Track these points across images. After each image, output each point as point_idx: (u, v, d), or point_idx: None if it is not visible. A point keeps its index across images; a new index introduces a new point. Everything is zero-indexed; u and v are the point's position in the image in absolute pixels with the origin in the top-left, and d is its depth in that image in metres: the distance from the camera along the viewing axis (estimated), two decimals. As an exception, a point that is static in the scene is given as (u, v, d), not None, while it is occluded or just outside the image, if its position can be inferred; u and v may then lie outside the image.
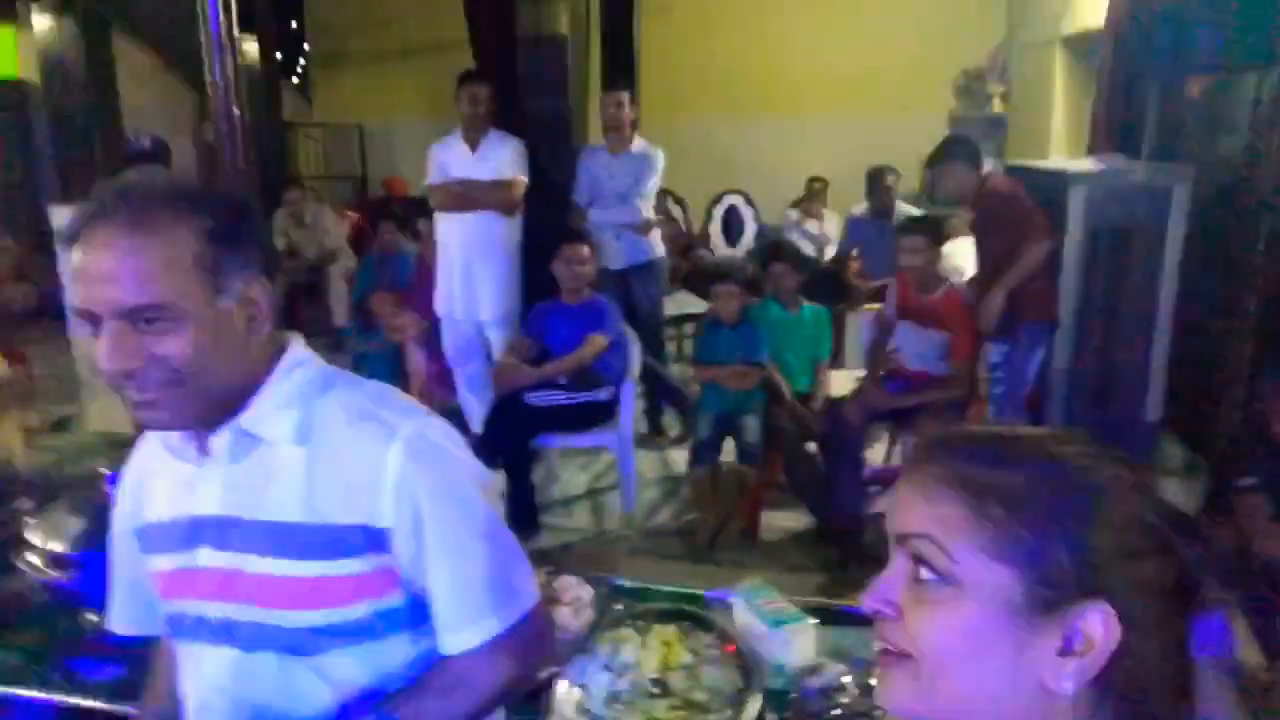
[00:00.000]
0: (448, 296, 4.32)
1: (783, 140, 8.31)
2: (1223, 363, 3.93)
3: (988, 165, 4.91)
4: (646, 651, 1.73)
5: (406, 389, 4.46)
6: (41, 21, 6.39)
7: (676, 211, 7.56)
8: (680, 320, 5.89)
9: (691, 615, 1.82)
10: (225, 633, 1.09)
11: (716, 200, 7.67)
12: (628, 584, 1.98)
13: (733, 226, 7.64)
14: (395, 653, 1.11)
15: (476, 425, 4.19)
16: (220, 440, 1.06)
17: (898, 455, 3.89)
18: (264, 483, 1.06)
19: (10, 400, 3.66)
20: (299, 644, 1.07)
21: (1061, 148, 6.54)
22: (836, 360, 4.08)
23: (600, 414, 3.78)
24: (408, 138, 6.35)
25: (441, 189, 4.22)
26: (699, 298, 5.95)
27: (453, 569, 1.07)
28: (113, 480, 1.96)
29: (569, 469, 4.32)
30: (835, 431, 3.54)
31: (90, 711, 1.65)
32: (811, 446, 3.72)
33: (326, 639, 1.06)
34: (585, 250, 3.89)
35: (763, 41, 8.61)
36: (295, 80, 10.23)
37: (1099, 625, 0.64)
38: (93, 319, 0.96)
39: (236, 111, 3.84)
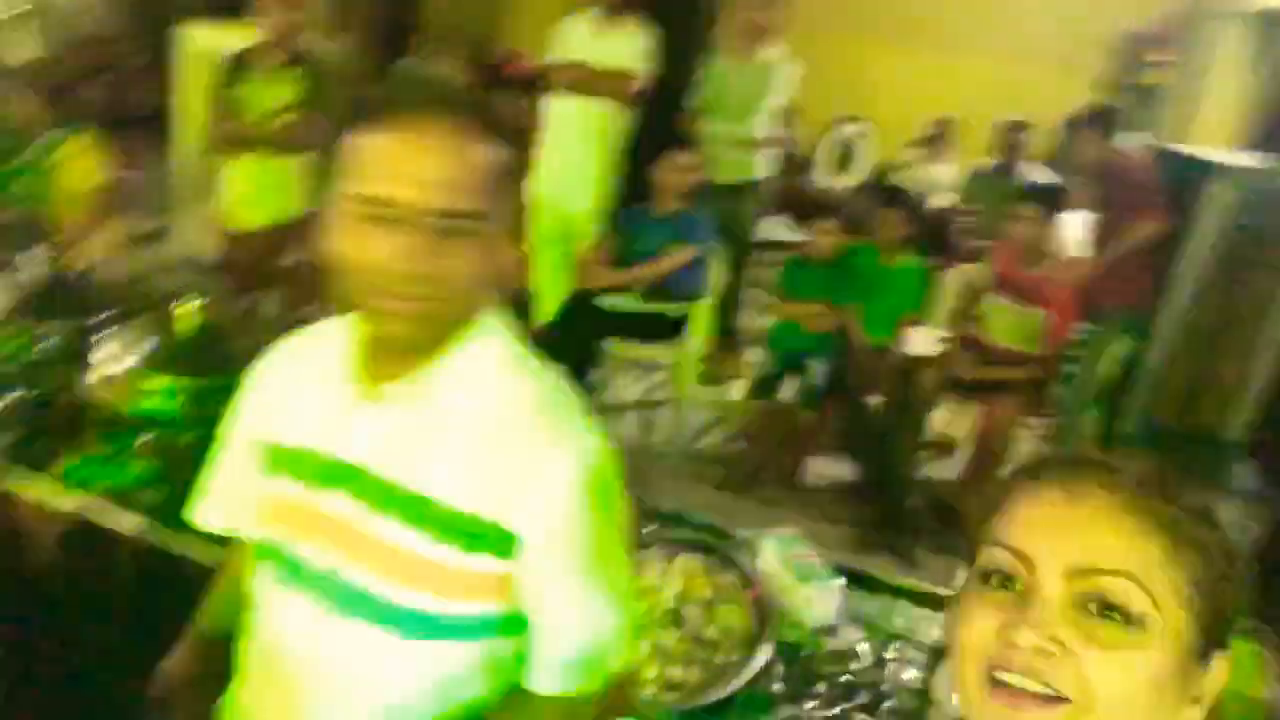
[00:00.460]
0: (544, 178, 4.25)
1: (917, 74, 7.88)
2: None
3: (1137, 139, 4.58)
4: (667, 579, 1.72)
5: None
6: None
7: (790, 130, 7.28)
8: (767, 246, 5.74)
9: (719, 552, 1.80)
10: (325, 587, 1.02)
11: (834, 125, 7.38)
12: (662, 507, 1.97)
13: (846, 156, 7.37)
14: (468, 658, 1.03)
15: (541, 313, 4.18)
16: (398, 389, 0.99)
17: (957, 424, 3.77)
18: (425, 449, 0.99)
19: (110, 206, 3.76)
20: (397, 622, 0.99)
21: (1218, 135, 6.08)
22: (924, 316, 3.92)
23: (668, 328, 3.74)
24: (543, 6, 6.17)
25: (563, 68, 4.09)
26: (793, 226, 5.79)
27: (577, 609, 1.01)
28: (193, 310, 2.01)
29: (624, 377, 4.30)
30: (904, 390, 3.45)
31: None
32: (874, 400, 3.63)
33: (424, 626, 0.99)
34: (690, 160, 3.77)
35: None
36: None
37: (1219, 672, 0.66)
38: (386, 210, 0.90)
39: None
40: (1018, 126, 5.26)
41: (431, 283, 0.92)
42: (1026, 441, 3.67)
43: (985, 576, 0.69)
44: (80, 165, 3.55)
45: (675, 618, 1.64)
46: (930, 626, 1.73)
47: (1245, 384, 3.64)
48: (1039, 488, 0.69)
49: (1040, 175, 5.04)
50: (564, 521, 0.97)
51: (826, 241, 3.62)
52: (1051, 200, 3.48)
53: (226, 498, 1.18)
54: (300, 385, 1.08)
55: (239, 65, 3.57)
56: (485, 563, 0.98)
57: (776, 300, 3.77)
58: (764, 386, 3.58)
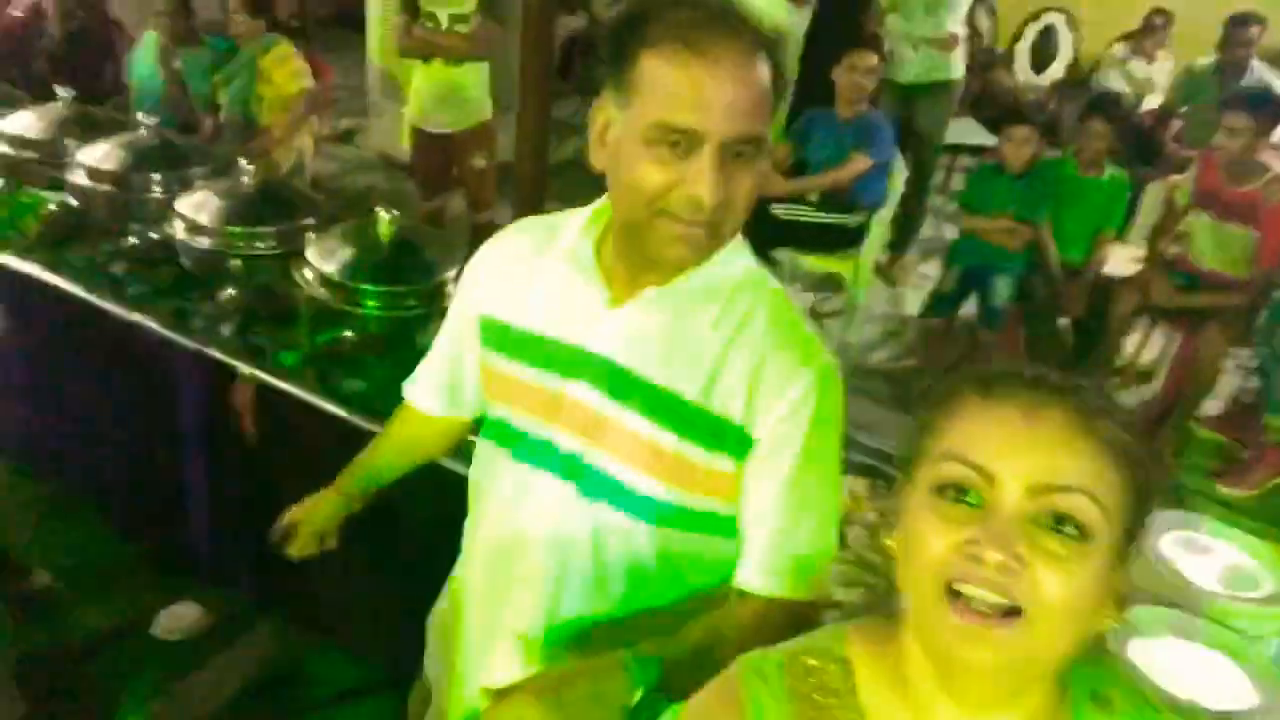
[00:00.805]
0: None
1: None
2: None
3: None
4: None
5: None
6: None
7: (984, 23, 6.77)
8: (956, 150, 5.43)
9: (883, 474, 1.79)
10: (571, 469, 1.07)
11: (1034, 16, 6.79)
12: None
13: (1045, 50, 6.79)
14: (695, 550, 1.09)
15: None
16: (653, 295, 1.02)
17: (1152, 348, 3.52)
18: (676, 351, 1.03)
19: (310, 109, 3.97)
20: (639, 509, 1.05)
21: None
22: (1123, 233, 3.64)
23: (845, 238, 3.64)
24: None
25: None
26: (985, 129, 5.44)
27: (798, 515, 1.03)
28: (388, 220, 2.12)
29: (796, 286, 4.23)
30: (1097, 314, 3.25)
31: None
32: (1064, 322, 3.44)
33: (664, 515, 1.05)
34: (872, 60, 3.60)
35: None
36: None
37: (1129, 571, 0.71)
38: (687, 140, 0.91)
39: None
40: (1247, 19, 4.66)
41: (724, 209, 0.94)
42: (1230, 374, 3.39)
43: (941, 489, 0.70)
44: (282, 71, 3.76)
45: (839, 539, 1.66)
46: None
47: None
48: (993, 404, 0.70)
49: (1273, 78, 4.50)
50: (800, 433, 1.01)
51: (1023, 152, 3.38)
52: (1269, 108, 3.13)
53: (448, 379, 1.26)
54: (542, 275, 1.10)
55: None
56: (722, 462, 1.02)
57: (963, 210, 3.57)
58: (942, 303, 3.45)
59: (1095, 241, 3.45)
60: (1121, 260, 3.55)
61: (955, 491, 0.69)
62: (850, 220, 3.63)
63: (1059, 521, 0.66)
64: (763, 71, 0.93)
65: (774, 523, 1.04)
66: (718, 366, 1.01)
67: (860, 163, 3.56)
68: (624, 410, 1.03)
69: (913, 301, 4.02)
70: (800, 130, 3.74)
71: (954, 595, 0.67)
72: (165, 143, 2.47)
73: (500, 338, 1.13)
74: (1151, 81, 5.74)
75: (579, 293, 1.06)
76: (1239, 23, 4.67)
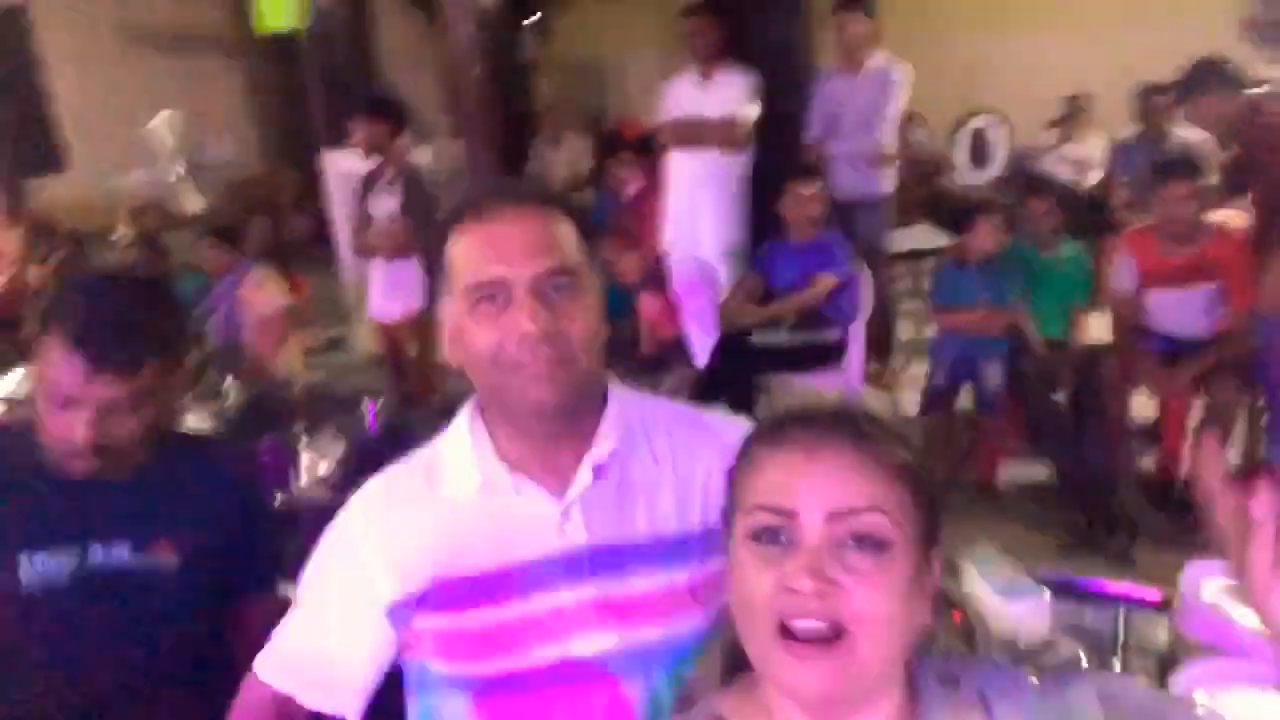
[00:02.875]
0: (674, 232, 4.33)
1: (1040, 55, 7.56)
2: None
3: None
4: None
5: (635, 324, 4.62)
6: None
7: (920, 134, 7.11)
8: (918, 255, 5.58)
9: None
10: (604, 667, 1.03)
11: (963, 122, 7.15)
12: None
13: (981, 150, 7.11)
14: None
15: (700, 359, 4.22)
16: (590, 463, 1.04)
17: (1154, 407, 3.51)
18: (639, 500, 1.06)
19: (292, 325, 4.09)
20: (682, 652, 1.03)
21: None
22: (1095, 302, 3.71)
23: (827, 354, 3.69)
24: (647, 73, 6.36)
25: (670, 126, 4.21)
26: (941, 230, 5.61)
27: None
28: (374, 410, 2.17)
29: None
30: (1088, 384, 3.26)
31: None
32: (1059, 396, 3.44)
33: (690, 646, 1.04)
34: (813, 188, 3.77)
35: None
36: (534, 19, 10.49)
37: (937, 569, 0.80)
38: (500, 291, 0.98)
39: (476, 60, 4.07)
40: (1156, 90, 4.91)
41: (562, 339, 0.98)
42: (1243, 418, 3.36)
43: (754, 536, 0.77)
44: (260, 294, 3.89)
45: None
46: (1156, 629, 1.62)
47: None
48: (781, 449, 0.78)
49: (1192, 135, 4.69)
50: None
51: (990, 241, 3.44)
52: (1197, 171, 3.20)
53: (338, 673, 1.10)
54: (459, 512, 1.05)
55: (366, 183, 4.10)
56: (715, 565, 1.02)
57: (937, 310, 3.63)
58: (938, 398, 3.46)
59: (1070, 315, 3.51)
60: (1101, 326, 3.60)
61: (767, 536, 0.76)
62: (826, 337, 3.69)
63: (859, 541, 0.73)
64: (554, 219, 1.03)
65: None
66: (680, 491, 1.06)
67: (825, 281, 3.66)
68: (628, 580, 1.04)
69: (909, 403, 4.04)
70: (763, 260, 3.87)
71: (786, 634, 0.73)
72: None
73: (457, 596, 1.04)
74: (1087, 159, 6.01)
75: (514, 506, 1.04)
76: (1149, 93, 4.93)
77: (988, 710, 0.78)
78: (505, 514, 1.05)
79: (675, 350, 4.60)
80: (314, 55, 6.92)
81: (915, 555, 0.76)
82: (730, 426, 1.07)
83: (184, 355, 1.43)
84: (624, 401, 1.10)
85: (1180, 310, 3.27)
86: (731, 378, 3.63)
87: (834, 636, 0.72)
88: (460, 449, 1.08)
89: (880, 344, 4.48)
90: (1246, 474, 3.23)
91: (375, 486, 1.12)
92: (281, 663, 1.13)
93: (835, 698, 0.74)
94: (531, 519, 1.04)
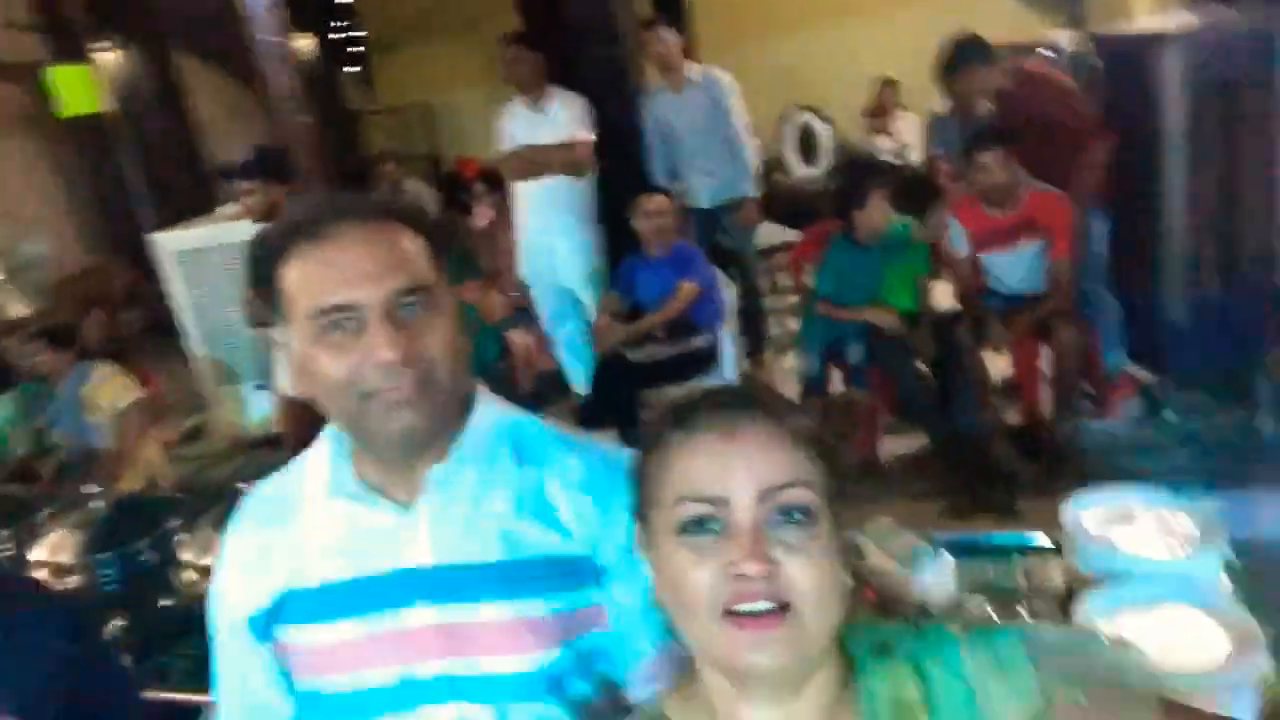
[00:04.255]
0: (531, 264, 4.34)
1: (848, 46, 7.96)
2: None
3: (1065, 38, 4.57)
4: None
5: (509, 362, 4.57)
6: (107, 55, 6.59)
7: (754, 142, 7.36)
8: (767, 252, 5.77)
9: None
10: (450, 691, 0.99)
11: (787, 119, 7.44)
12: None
13: (808, 145, 7.42)
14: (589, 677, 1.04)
15: (579, 387, 4.23)
16: (440, 478, 0.99)
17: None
18: (490, 520, 0.99)
19: (148, 420, 3.86)
20: (535, 687, 0.99)
21: (1143, 8, 6.08)
22: (936, 273, 3.91)
23: (702, 361, 3.76)
24: (478, 110, 6.35)
25: (510, 158, 4.21)
26: (781, 226, 5.83)
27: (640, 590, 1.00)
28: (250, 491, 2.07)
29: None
30: (945, 350, 3.44)
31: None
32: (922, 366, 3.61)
33: (561, 675, 1.00)
34: (661, 200, 3.84)
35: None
36: (355, 69, 10.32)
37: (845, 535, 0.81)
38: (350, 316, 0.92)
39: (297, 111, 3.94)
40: (954, 68, 5.23)
41: (421, 361, 0.93)
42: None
43: (684, 528, 0.77)
44: (106, 392, 3.66)
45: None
46: (1051, 571, 1.72)
47: (1272, 228, 3.62)
48: (696, 436, 0.78)
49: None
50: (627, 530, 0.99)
51: (879, 217, 3.45)
52: (1007, 137, 3.41)
53: (254, 697, 1.08)
54: (313, 527, 1.03)
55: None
56: (595, 594, 1.00)
57: (827, 304, 3.64)
58: (813, 384, 3.58)
59: (917, 287, 3.69)
60: (945, 296, 3.81)
61: (696, 526, 0.76)
62: (699, 344, 3.76)
63: (786, 514, 0.75)
64: (401, 235, 0.96)
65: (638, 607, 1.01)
66: (540, 513, 1.00)
67: (688, 288, 3.73)
68: (478, 605, 0.98)
69: (787, 394, 4.15)
70: (624, 278, 3.92)
71: (730, 614, 0.74)
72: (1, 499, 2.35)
73: (302, 608, 1.02)
74: (903, 139, 6.36)
75: (369, 518, 1.00)
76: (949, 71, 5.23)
77: (921, 673, 0.80)
78: (354, 526, 1.01)
79: (553, 382, 4.61)
80: (127, 134, 6.60)
81: (833, 519, 0.78)
82: (609, 451, 1.05)
83: None
84: (492, 416, 1.04)
85: (1014, 267, 3.50)
86: (613, 399, 3.65)
87: (780, 611, 0.73)
88: (319, 459, 1.05)
89: (752, 343, 4.60)
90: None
91: (240, 508, 1.10)
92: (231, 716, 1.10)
93: (787, 670, 0.76)
94: (378, 533, 1.00)
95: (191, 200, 5.84)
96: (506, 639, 0.98)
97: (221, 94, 8.14)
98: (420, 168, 8.51)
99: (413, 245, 0.96)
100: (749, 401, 0.80)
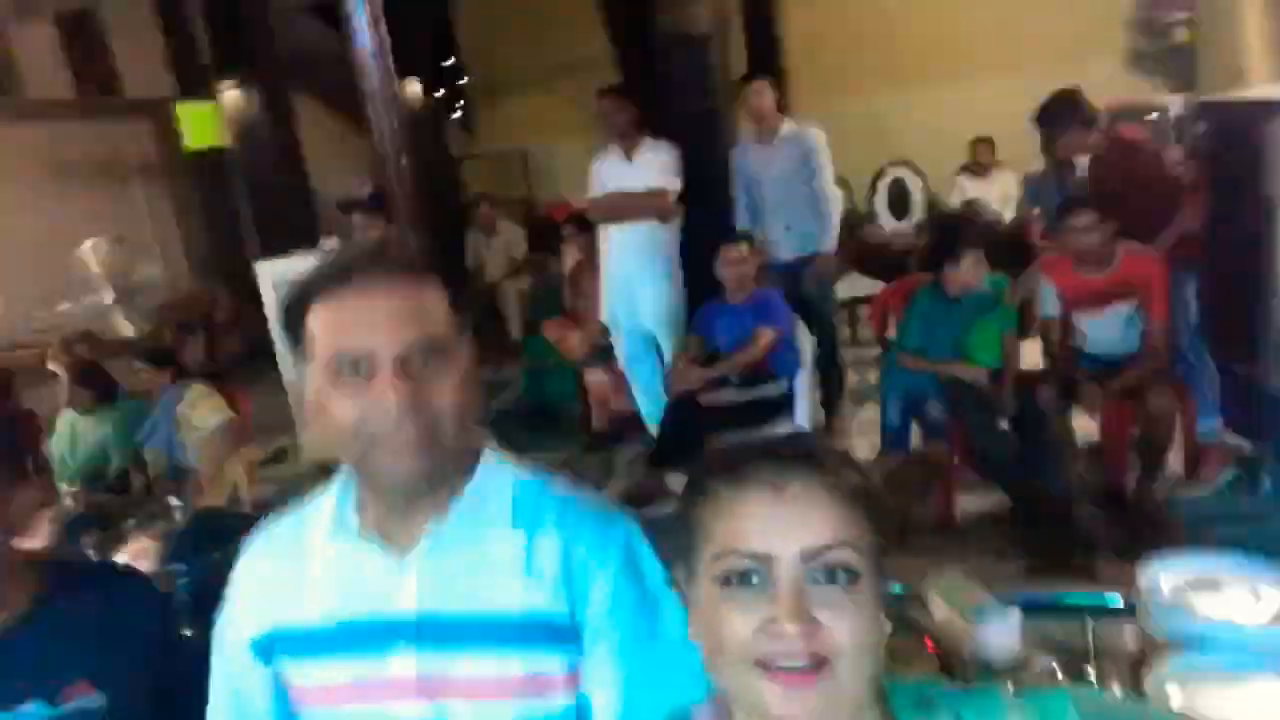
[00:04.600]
0: (613, 305, 4.39)
1: (946, 105, 7.93)
2: None
3: (1177, 102, 4.47)
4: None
5: (585, 400, 4.61)
6: (231, 94, 7.01)
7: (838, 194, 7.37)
8: (852, 304, 5.73)
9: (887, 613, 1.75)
10: None
11: (880, 174, 7.42)
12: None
13: (900, 200, 7.37)
14: None
15: (652, 428, 4.24)
16: (441, 529, 1.02)
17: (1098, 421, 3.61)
18: (484, 573, 1.02)
19: (235, 440, 4.01)
20: None
21: (1255, 75, 5.89)
22: (1024, 332, 3.82)
23: (776, 408, 3.73)
24: (572, 157, 6.54)
25: (598, 201, 4.30)
26: (868, 278, 5.78)
27: (628, 674, 1.01)
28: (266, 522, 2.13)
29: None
30: (1029, 408, 3.34)
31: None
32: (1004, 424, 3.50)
33: None
34: (743, 249, 3.88)
35: (908, 3, 8.27)
36: (458, 114, 10.72)
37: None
38: (364, 363, 0.95)
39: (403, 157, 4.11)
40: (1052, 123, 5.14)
41: (426, 414, 0.95)
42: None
43: (726, 580, 0.76)
44: (199, 411, 3.83)
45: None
46: (1123, 634, 1.65)
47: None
48: (746, 489, 0.78)
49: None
50: (623, 599, 1.01)
51: (971, 275, 3.41)
52: (1098, 199, 3.35)
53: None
54: (316, 565, 1.06)
55: None
56: (566, 656, 1.01)
57: (912, 356, 3.58)
58: (896, 439, 3.51)
59: (1003, 344, 3.60)
60: (1031, 356, 3.70)
61: (739, 579, 0.76)
62: (773, 391, 3.74)
63: (830, 574, 0.74)
64: (425, 290, 0.99)
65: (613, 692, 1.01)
66: (538, 574, 1.01)
67: (766, 335, 3.73)
68: (457, 656, 1.00)
69: (862, 448, 4.08)
70: (703, 322, 3.93)
71: (766, 666, 0.74)
72: (91, 506, 2.47)
73: (299, 644, 1.06)
74: (999, 197, 6.26)
75: (363, 562, 1.04)
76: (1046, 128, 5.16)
77: None
78: (350, 569, 1.04)
79: (627, 423, 4.63)
80: (240, 168, 6.98)
81: (877, 576, 0.77)
82: (618, 519, 1.06)
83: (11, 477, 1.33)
84: (498, 472, 1.06)
85: (1105, 330, 3.41)
86: (684, 442, 3.64)
87: (816, 668, 0.73)
88: (329, 499, 1.08)
89: (828, 394, 4.55)
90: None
91: (255, 536, 1.14)
92: None
93: (823, 719, 0.75)
94: (371, 577, 1.03)
95: (298, 233, 6.12)
96: (482, 691, 1.00)
97: (331, 133, 8.56)
98: (514, 211, 8.74)
99: (434, 299, 1.00)
100: (801, 456, 0.79)
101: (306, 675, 1.06)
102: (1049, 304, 3.47)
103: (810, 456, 0.79)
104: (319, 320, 0.98)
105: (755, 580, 0.75)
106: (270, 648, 1.07)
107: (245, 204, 7.06)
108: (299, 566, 1.07)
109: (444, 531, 1.02)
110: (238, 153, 7.16)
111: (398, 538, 1.03)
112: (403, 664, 1.01)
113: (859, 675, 0.74)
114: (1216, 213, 3.45)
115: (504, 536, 1.03)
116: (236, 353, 6.82)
